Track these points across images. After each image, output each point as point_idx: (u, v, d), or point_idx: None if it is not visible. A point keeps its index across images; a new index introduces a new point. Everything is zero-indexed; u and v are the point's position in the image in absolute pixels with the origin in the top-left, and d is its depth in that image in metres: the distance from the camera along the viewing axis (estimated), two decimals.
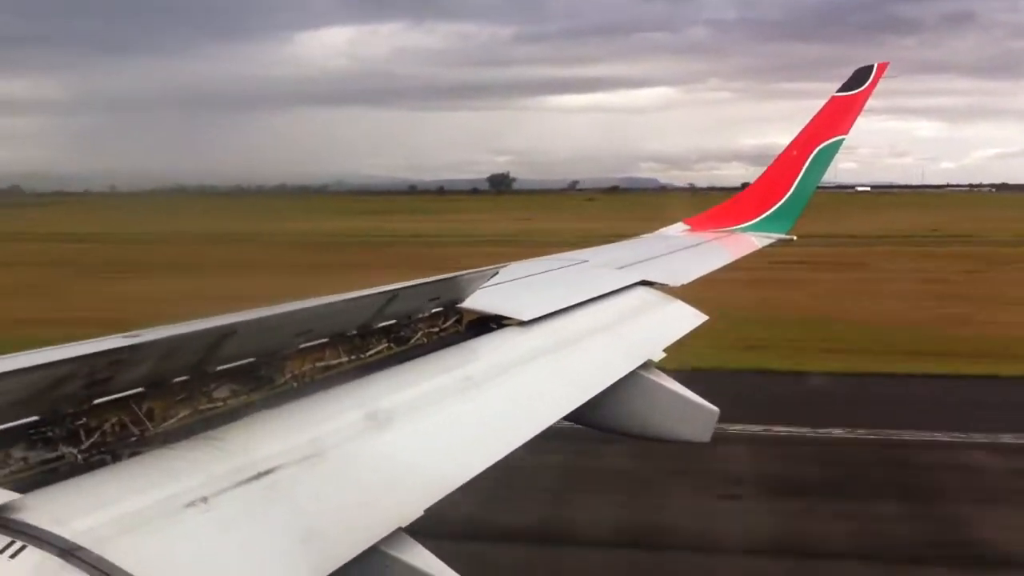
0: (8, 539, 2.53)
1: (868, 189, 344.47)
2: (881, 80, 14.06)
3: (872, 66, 14.17)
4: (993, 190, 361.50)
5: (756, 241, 13.81)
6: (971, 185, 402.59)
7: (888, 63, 14.28)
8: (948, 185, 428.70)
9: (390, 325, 5.39)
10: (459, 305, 6.04)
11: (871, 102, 14.14)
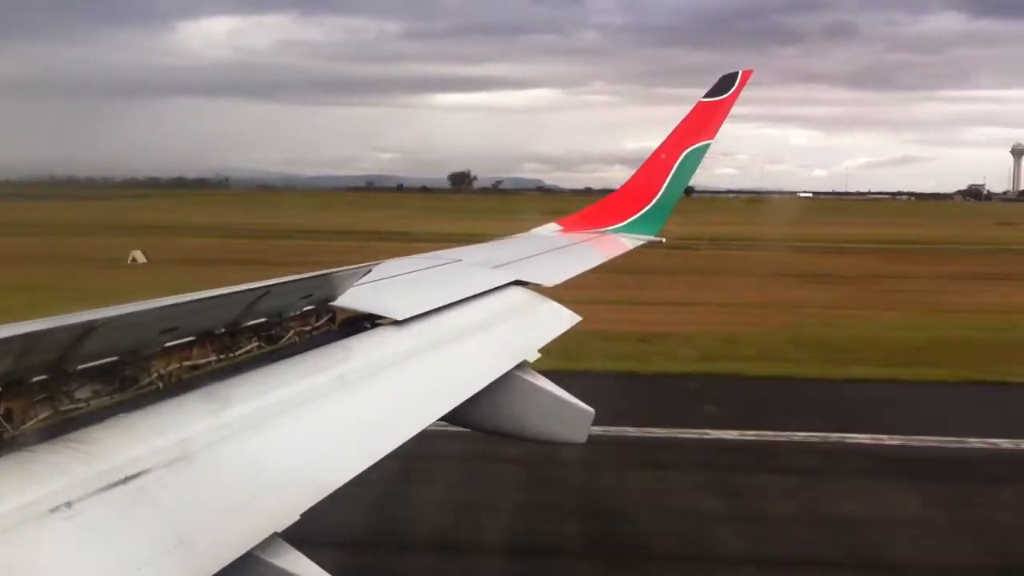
0: None
1: (810, 195, 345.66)
2: (748, 87, 14.56)
3: (737, 73, 14.62)
4: (912, 199, 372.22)
5: (627, 242, 14.09)
6: (892, 193, 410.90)
7: (752, 71, 14.75)
8: (870, 192, 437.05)
9: (260, 323, 5.27)
10: (332, 303, 5.96)
11: (751, 109, 14.72)
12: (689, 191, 15.96)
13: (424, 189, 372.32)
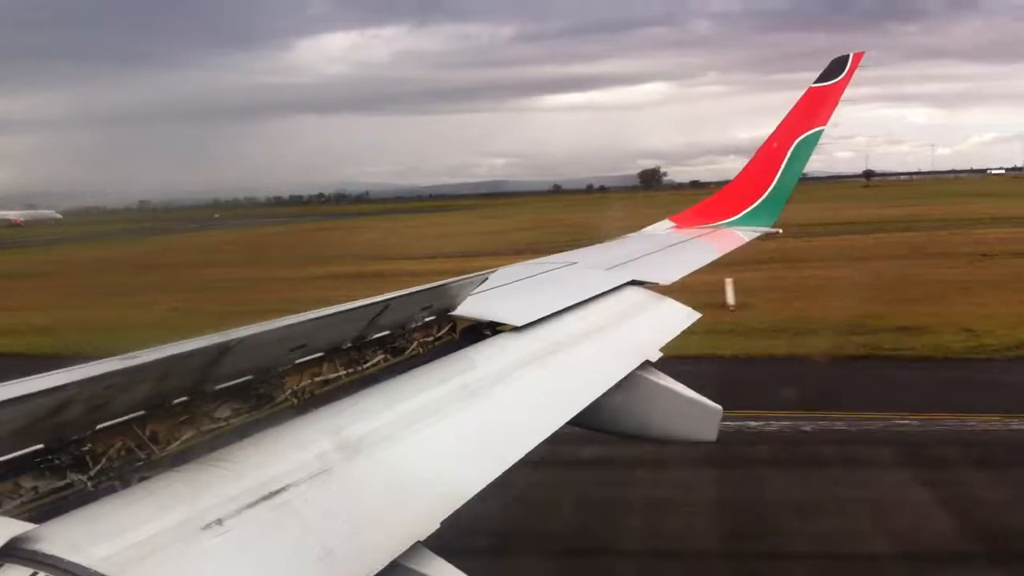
0: (29, 570, 2.50)
1: (1003, 172, 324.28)
2: (862, 68, 14.09)
3: (848, 56, 14.17)
4: None
5: (742, 236, 13.83)
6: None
7: (863, 52, 14.28)
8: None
9: (385, 336, 5.37)
10: (451, 313, 6.02)
11: (865, 90, 14.18)
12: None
13: (602, 189, 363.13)
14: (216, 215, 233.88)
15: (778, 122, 14.66)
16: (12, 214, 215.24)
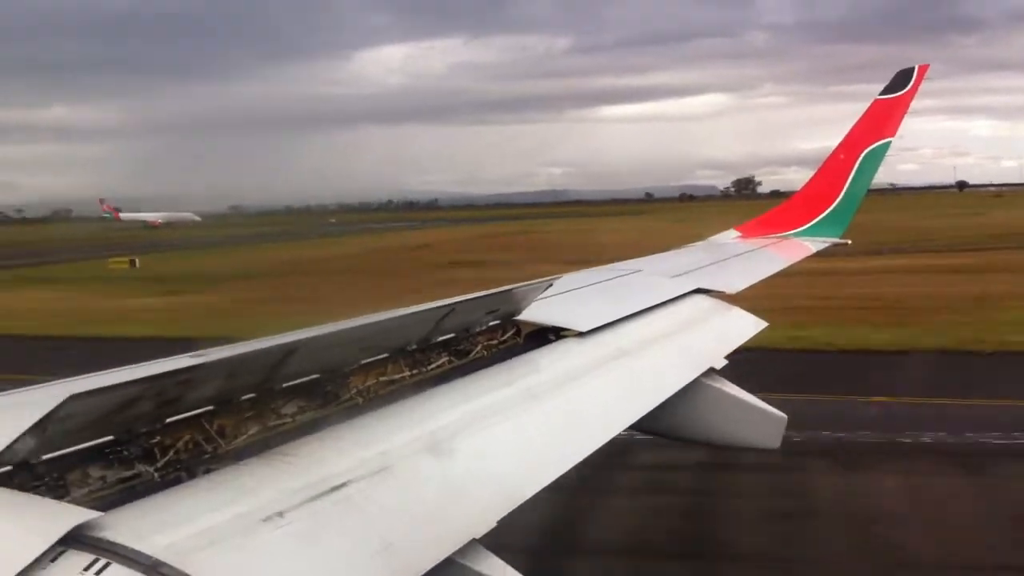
0: (92, 556, 2.55)
1: None
2: (928, 80, 13.94)
3: (913, 68, 14.06)
4: None
5: (810, 246, 13.68)
6: None
7: (928, 65, 14.18)
8: None
9: (450, 339, 5.40)
10: (516, 317, 6.03)
11: (927, 103, 13.99)
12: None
13: (691, 197, 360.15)
14: (332, 220, 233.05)
15: (840, 133, 14.60)
16: (151, 216, 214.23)
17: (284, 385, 4.04)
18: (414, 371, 4.97)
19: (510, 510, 3.82)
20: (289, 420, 4.02)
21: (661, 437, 6.74)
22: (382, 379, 4.71)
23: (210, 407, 3.66)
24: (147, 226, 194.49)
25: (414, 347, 5.06)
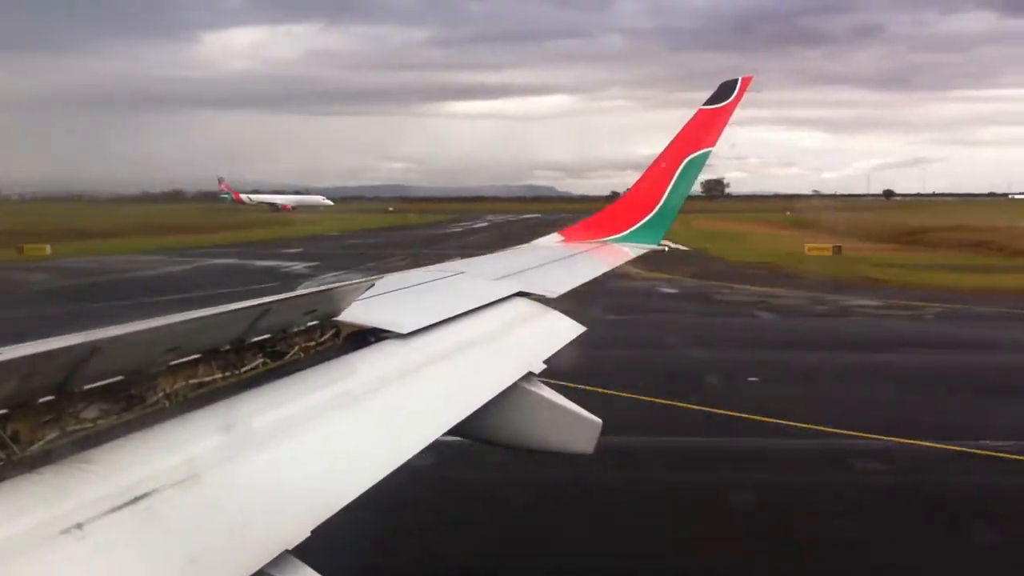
0: None
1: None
2: (757, 91, 14.48)
3: (737, 79, 14.55)
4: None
5: (629, 252, 14.08)
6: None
7: (752, 76, 14.67)
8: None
9: (265, 340, 5.26)
10: (336, 318, 5.94)
11: (761, 112, 14.60)
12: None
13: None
14: (390, 208, 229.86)
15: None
16: (281, 198, 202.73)
17: (86, 387, 3.83)
18: (226, 373, 4.82)
19: (325, 518, 3.78)
20: (90, 425, 3.82)
21: (478, 442, 6.78)
22: (192, 381, 4.54)
23: (3, 411, 3.45)
24: (276, 209, 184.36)
25: (227, 348, 4.91)
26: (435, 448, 4.99)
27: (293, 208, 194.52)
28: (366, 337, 6.18)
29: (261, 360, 5.17)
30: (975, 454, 18.82)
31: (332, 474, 4.25)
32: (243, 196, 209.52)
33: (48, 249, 78.90)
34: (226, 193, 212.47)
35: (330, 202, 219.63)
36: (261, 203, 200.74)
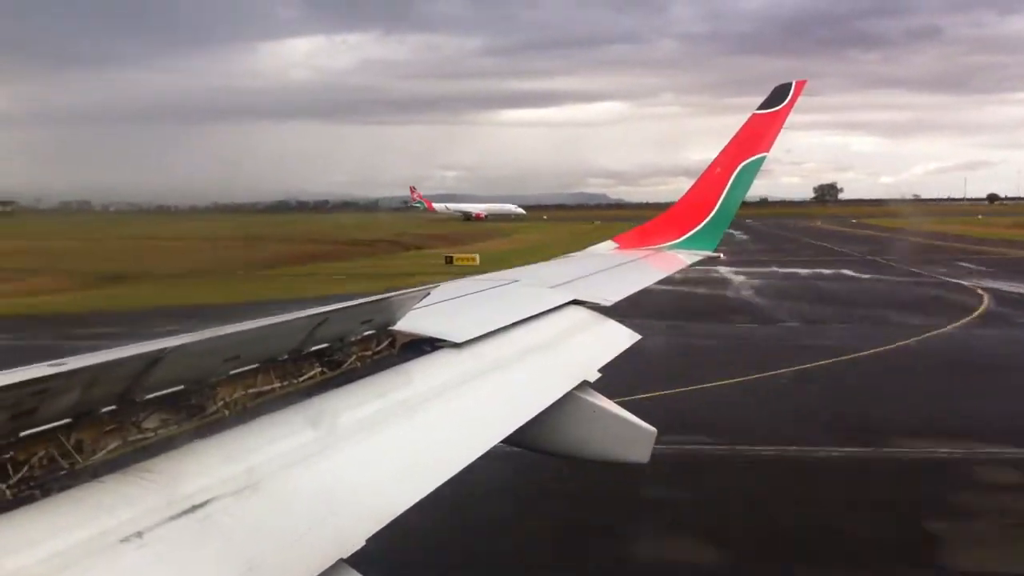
0: None
1: None
2: (813, 95, 14.35)
3: (791, 83, 14.38)
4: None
5: (684, 259, 13.97)
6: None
7: (806, 80, 14.49)
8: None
9: (322, 349, 5.31)
10: (391, 327, 5.98)
11: (817, 117, 14.31)
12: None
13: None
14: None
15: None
16: (476, 207, 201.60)
17: (147, 397, 3.90)
18: (284, 382, 4.87)
19: (379, 528, 3.79)
20: (151, 434, 3.88)
21: (533, 451, 6.76)
22: (251, 391, 4.60)
23: (67, 420, 3.51)
24: (469, 219, 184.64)
25: (285, 357, 4.96)
26: (489, 456, 4.99)
27: (486, 216, 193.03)
28: (422, 346, 6.20)
29: (319, 369, 5.22)
30: None
31: (388, 483, 4.27)
32: (435, 205, 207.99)
33: (477, 259, 70.73)
34: (418, 202, 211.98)
35: (522, 210, 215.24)
36: (456, 212, 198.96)
